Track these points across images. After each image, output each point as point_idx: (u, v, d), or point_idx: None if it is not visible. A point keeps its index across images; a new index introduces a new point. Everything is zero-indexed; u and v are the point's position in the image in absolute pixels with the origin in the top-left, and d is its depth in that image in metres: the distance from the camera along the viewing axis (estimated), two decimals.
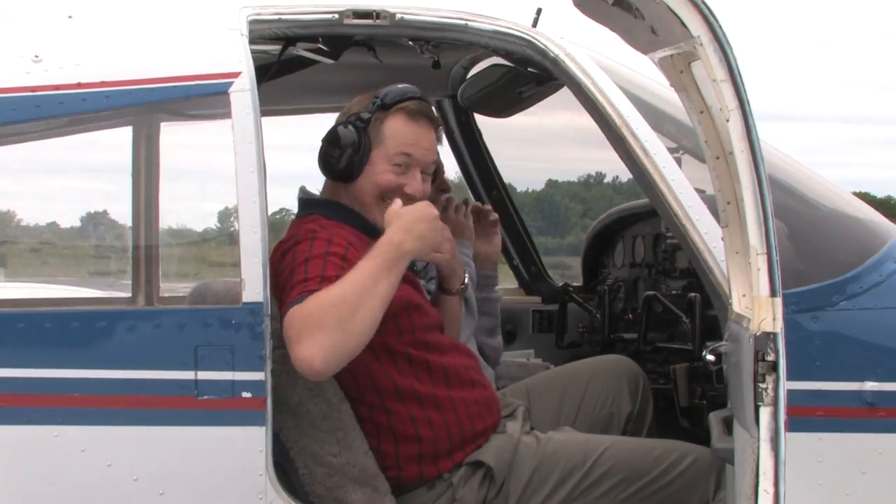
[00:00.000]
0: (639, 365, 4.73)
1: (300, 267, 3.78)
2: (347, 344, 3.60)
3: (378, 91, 4.11)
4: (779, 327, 3.44)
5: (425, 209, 3.83)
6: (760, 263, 3.45)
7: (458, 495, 4.04)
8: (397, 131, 4.06)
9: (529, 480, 4.07)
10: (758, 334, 3.44)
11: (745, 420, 3.51)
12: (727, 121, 3.45)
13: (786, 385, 3.44)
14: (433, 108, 4.17)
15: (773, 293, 3.44)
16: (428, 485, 4.05)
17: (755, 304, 3.45)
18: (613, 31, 3.81)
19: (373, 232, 4.06)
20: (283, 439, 3.91)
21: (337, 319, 3.56)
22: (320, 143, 4.12)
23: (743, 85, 3.46)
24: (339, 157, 4.05)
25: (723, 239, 3.74)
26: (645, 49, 3.77)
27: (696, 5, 3.45)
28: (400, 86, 4.12)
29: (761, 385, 3.44)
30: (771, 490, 3.45)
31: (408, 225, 3.76)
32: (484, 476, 4.06)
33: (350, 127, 4.05)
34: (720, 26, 3.45)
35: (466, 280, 4.36)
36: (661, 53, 3.69)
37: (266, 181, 3.82)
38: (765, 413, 3.43)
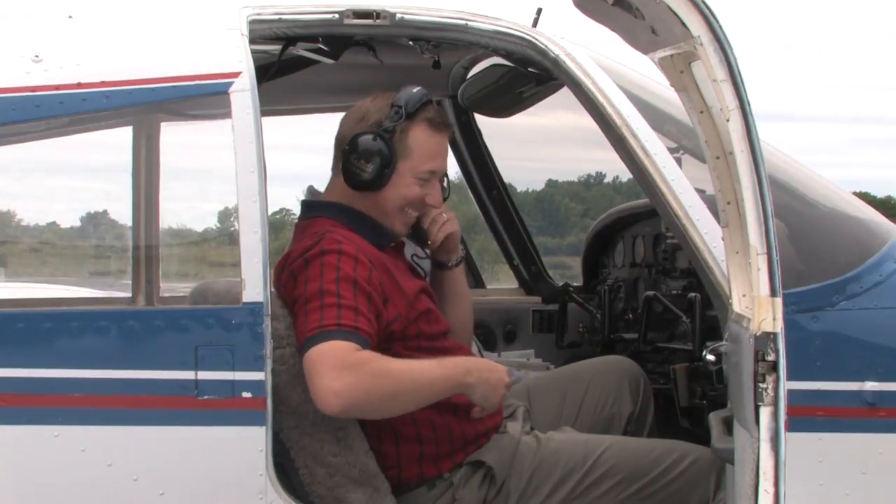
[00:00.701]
0: (639, 365, 4.73)
1: (331, 285, 3.79)
2: (368, 411, 3.80)
3: (393, 97, 4.10)
4: (779, 327, 3.43)
5: (504, 377, 3.97)
6: (760, 263, 3.45)
7: (458, 495, 4.04)
8: (423, 144, 4.08)
9: (530, 480, 4.07)
10: (758, 334, 3.44)
11: (745, 420, 3.51)
12: (727, 121, 3.45)
13: (786, 385, 3.44)
14: (443, 110, 4.19)
15: (773, 293, 3.44)
16: (428, 484, 4.06)
17: (755, 304, 3.45)
18: (613, 31, 3.81)
19: (382, 239, 4.07)
20: (284, 439, 3.91)
21: (381, 392, 3.70)
22: (342, 152, 4.10)
23: (743, 85, 3.45)
24: (367, 169, 4.05)
25: (723, 239, 3.74)
26: (645, 49, 3.77)
27: (696, 5, 3.44)
28: (414, 90, 4.10)
29: (761, 385, 3.43)
30: (771, 490, 3.44)
31: (487, 375, 3.90)
32: (484, 476, 4.07)
33: (378, 139, 4.05)
34: (720, 26, 3.45)
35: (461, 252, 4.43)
36: (661, 53, 3.69)
37: (266, 181, 3.82)
38: (765, 413, 3.43)
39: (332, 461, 3.90)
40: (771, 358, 3.43)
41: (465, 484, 4.05)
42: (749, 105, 3.45)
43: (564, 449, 4.13)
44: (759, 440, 3.43)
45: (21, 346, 3.68)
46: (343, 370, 3.62)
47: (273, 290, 3.88)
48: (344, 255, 3.87)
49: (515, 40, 4.36)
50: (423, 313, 4.06)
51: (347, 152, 4.07)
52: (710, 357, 3.89)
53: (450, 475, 4.06)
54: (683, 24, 3.45)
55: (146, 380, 3.70)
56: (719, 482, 4.09)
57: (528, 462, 4.09)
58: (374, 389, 3.67)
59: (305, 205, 4.24)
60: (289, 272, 3.91)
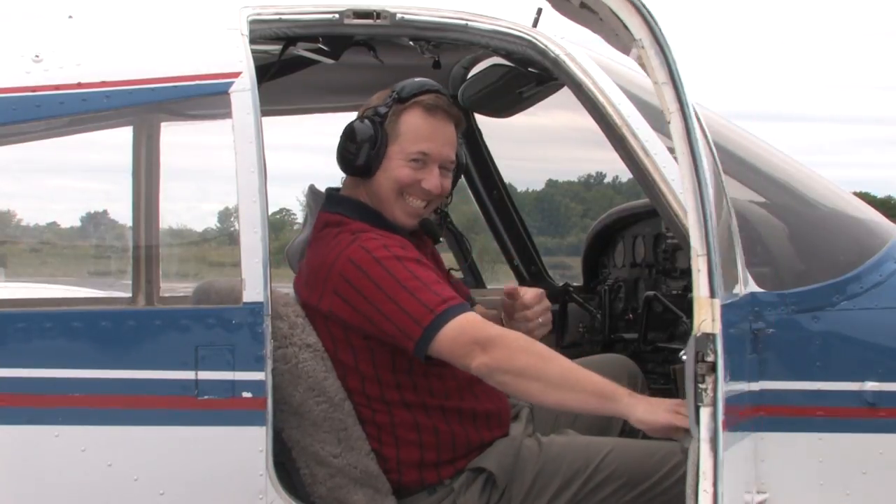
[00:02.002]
0: (639, 365, 4.72)
1: (403, 272, 3.83)
2: (507, 380, 3.80)
3: (395, 85, 4.09)
4: (717, 328, 3.41)
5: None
6: (700, 265, 3.43)
7: (459, 501, 4.00)
8: (413, 126, 4.02)
9: (532, 485, 4.03)
10: (698, 335, 3.43)
11: (690, 420, 3.51)
12: (668, 123, 3.45)
13: (725, 386, 3.42)
14: (451, 102, 4.13)
15: (712, 294, 3.42)
16: (428, 490, 4.02)
17: (695, 304, 3.44)
18: (594, 31, 3.80)
19: (392, 231, 4.07)
20: (286, 438, 3.91)
21: (524, 365, 3.76)
22: (339, 139, 4.10)
23: (683, 87, 3.44)
24: (356, 153, 4.02)
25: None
26: (625, 49, 3.77)
27: (636, 8, 3.44)
28: (417, 79, 4.08)
29: (701, 385, 3.42)
30: (710, 490, 3.42)
31: (664, 404, 3.74)
32: (486, 481, 4.02)
33: (367, 121, 4.03)
34: (660, 29, 3.44)
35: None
36: (635, 52, 3.68)
37: (266, 181, 3.83)
38: (704, 413, 3.42)
39: (333, 462, 3.90)
40: (710, 359, 3.42)
41: (466, 490, 4.01)
42: (689, 107, 3.45)
43: (566, 453, 4.09)
44: (699, 440, 3.43)
45: (21, 346, 3.68)
46: (487, 343, 3.73)
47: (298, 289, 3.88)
48: (389, 244, 3.90)
49: (515, 40, 4.36)
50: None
51: (342, 139, 4.07)
52: (685, 358, 3.88)
53: (450, 481, 4.02)
54: (626, 27, 3.45)
55: (146, 380, 3.70)
56: None
57: (531, 467, 4.05)
58: (527, 369, 3.76)
59: (329, 197, 4.20)
60: (337, 275, 3.90)
